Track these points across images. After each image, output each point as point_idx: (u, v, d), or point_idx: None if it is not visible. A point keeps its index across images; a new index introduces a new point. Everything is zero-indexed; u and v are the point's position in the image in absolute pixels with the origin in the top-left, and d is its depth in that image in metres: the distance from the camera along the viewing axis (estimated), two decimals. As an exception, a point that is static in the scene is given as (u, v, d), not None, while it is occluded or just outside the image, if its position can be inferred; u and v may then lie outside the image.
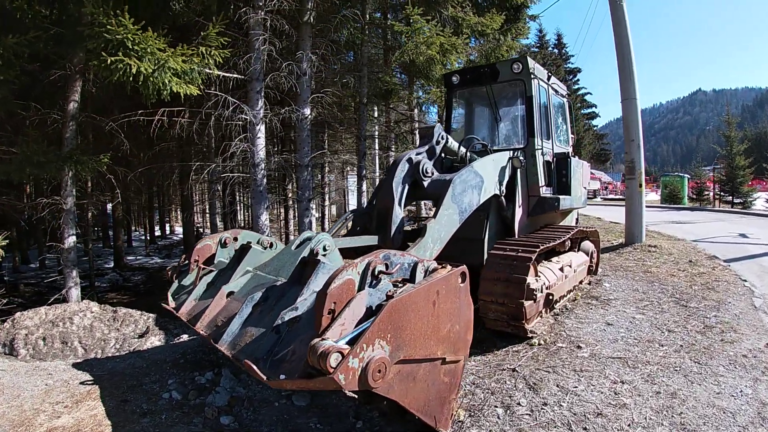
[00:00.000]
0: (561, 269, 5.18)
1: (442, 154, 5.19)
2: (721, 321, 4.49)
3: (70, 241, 6.60)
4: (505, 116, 6.09)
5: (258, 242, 4.23)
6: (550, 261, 5.29)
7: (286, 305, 2.72)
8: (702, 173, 23.32)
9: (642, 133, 8.39)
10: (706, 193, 21.71)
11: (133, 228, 24.65)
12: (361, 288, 2.35)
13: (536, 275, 4.64)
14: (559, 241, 4.88)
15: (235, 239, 4.29)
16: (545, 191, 5.65)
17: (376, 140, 12.42)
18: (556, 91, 6.20)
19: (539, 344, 4.14)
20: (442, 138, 4.78)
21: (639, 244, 8.34)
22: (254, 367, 2.32)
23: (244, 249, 3.81)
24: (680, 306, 5.11)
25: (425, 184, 4.36)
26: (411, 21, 6.35)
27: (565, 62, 34.86)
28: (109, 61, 4.23)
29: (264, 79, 6.80)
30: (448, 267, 2.69)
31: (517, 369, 3.59)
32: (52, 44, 4.81)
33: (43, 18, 4.65)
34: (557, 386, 3.24)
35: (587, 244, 6.47)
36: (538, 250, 4.26)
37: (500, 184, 5.04)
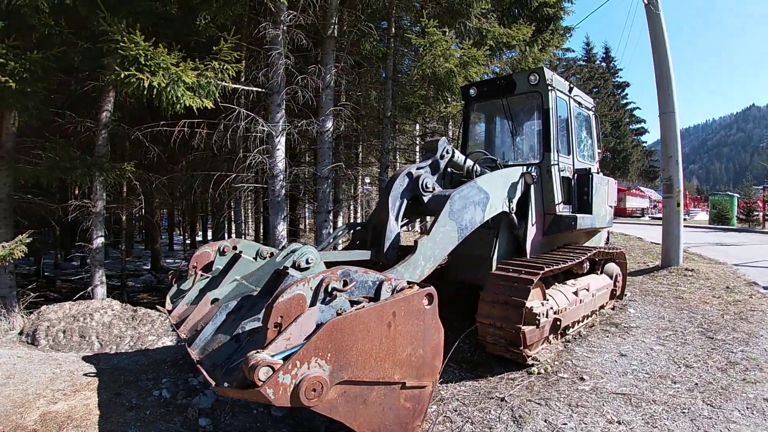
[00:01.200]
0: (575, 293, 4.85)
1: (449, 169, 5.05)
2: (748, 357, 4.01)
3: (98, 242, 6.99)
4: (522, 130, 5.86)
5: (257, 252, 4.27)
6: (564, 284, 4.97)
7: (254, 315, 2.73)
8: (752, 192, 21.49)
9: (681, 150, 7.80)
10: (756, 213, 20.03)
11: (177, 232, 25.93)
12: (313, 304, 2.32)
13: (544, 299, 4.37)
14: (570, 263, 4.57)
15: (234, 248, 4.35)
16: (562, 209, 5.34)
17: (417, 154, 12.36)
18: (579, 103, 5.89)
19: (539, 373, 3.87)
20: (447, 152, 4.65)
21: (675, 267, 7.71)
22: (204, 372, 2.35)
23: (235, 258, 3.87)
24: (706, 338, 4.64)
25: (425, 199, 4.24)
26: (427, 33, 6.29)
27: (614, 76, 33.45)
28: (123, 75, 4.50)
29: (284, 92, 6.96)
30: (415, 287, 2.58)
31: (506, 398, 3.36)
32: (81, 58, 5.19)
33: (71, 34, 5.01)
34: (545, 421, 3.00)
35: (612, 267, 6.04)
36: (541, 272, 3.99)
37: (510, 200, 4.82)
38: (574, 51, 29.66)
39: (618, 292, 6.05)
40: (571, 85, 5.67)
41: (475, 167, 4.89)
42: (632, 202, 37.58)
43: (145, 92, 4.84)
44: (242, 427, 3.11)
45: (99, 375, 3.98)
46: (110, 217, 10.86)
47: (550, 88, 5.17)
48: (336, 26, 7.67)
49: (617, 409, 3.13)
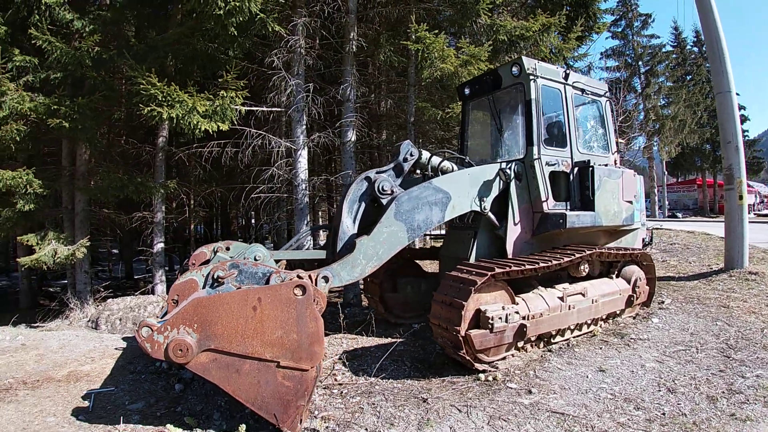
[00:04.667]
0: (561, 298, 4.48)
1: (420, 171, 5.04)
2: (758, 385, 3.32)
3: (159, 246, 8.21)
4: (510, 124, 5.57)
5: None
6: (553, 288, 4.62)
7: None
8: None
9: (741, 133, 6.57)
10: None
11: (267, 239, 28.43)
12: (204, 287, 3.02)
13: (512, 302, 4.14)
14: (543, 265, 4.24)
15: (227, 249, 4.94)
16: (554, 206, 4.96)
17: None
18: (582, 90, 5.41)
19: (486, 380, 3.69)
20: (411, 155, 4.69)
21: (738, 270, 6.51)
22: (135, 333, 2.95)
23: (210, 258, 4.45)
24: (722, 356, 3.95)
25: (384, 202, 4.35)
26: (420, 38, 6.27)
27: (707, 61, 29.06)
28: (145, 111, 5.45)
29: (302, 108, 7.50)
30: (296, 279, 2.85)
31: (429, 401, 3.30)
32: (122, 99, 6.37)
33: (111, 80, 6.16)
34: (449, 428, 2.90)
35: (632, 270, 5.40)
36: (490, 273, 3.81)
37: (482, 199, 4.68)
38: (660, 37, 26.24)
39: (638, 299, 5.34)
40: (567, 72, 5.25)
41: (441, 166, 4.83)
42: (734, 198, 31.78)
43: (166, 122, 5.75)
44: (200, 393, 3.59)
45: (125, 350, 4.88)
46: (200, 227, 12.61)
47: (532, 78, 4.89)
48: (354, 42, 8.03)
49: (540, 431, 2.88)
